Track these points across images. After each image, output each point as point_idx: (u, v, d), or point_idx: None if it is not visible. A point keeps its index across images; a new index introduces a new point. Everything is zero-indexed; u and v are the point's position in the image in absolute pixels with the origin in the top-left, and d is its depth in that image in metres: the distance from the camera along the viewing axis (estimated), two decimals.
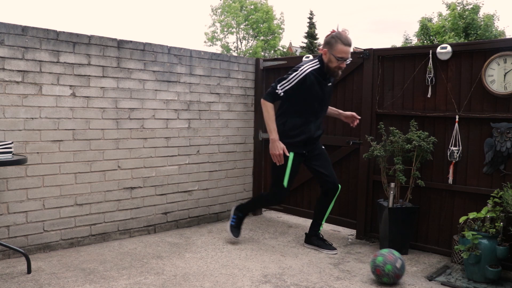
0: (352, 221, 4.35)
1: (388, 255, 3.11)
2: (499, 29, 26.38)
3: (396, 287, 3.08)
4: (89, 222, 3.83)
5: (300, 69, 3.53)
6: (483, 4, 26.13)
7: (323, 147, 3.91)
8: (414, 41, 28.40)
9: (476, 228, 3.26)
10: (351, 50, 3.53)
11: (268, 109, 3.57)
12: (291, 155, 3.62)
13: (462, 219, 3.32)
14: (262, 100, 3.61)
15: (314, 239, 3.93)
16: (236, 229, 4.02)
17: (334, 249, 3.84)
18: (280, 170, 3.66)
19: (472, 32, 24.96)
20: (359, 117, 3.89)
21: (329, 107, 3.87)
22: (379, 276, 3.10)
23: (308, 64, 3.56)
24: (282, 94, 3.52)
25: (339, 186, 3.86)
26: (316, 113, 3.66)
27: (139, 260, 3.48)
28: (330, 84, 3.68)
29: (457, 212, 3.66)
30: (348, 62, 3.55)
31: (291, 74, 3.53)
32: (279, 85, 3.53)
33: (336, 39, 3.45)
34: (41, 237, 3.57)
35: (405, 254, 3.77)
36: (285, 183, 3.67)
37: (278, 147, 3.57)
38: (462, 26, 25.09)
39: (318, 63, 3.55)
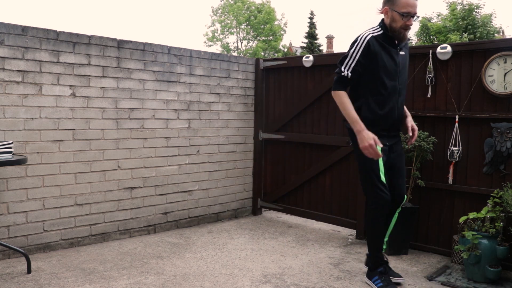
0: (352, 221, 4.35)
1: None
2: (496, 26, 26.44)
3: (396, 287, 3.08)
4: (89, 222, 3.83)
5: (359, 37, 2.91)
6: (484, 4, 26.16)
7: (399, 146, 3.14)
8: (414, 41, 28.39)
9: (476, 228, 3.26)
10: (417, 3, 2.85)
11: (342, 98, 2.88)
12: (378, 148, 2.84)
13: (462, 219, 3.31)
14: (332, 92, 2.95)
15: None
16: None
17: (400, 277, 3.17)
18: (373, 164, 2.93)
19: (472, 30, 24.99)
20: (414, 136, 3.12)
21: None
22: None
23: (369, 30, 2.95)
24: (350, 74, 2.88)
25: (405, 197, 3.19)
26: (395, 90, 2.95)
27: (139, 260, 3.48)
28: (402, 53, 2.99)
29: (457, 212, 3.66)
30: (415, 20, 2.87)
31: (350, 48, 2.91)
32: (342, 67, 2.89)
33: None
34: (41, 237, 3.57)
35: (405, 254, 3.77)
36: (383, 178, 2.95)
37: (366, 138, 2.79)
38: (463, 26, 25.10)
39: (379, 28, 2.93)
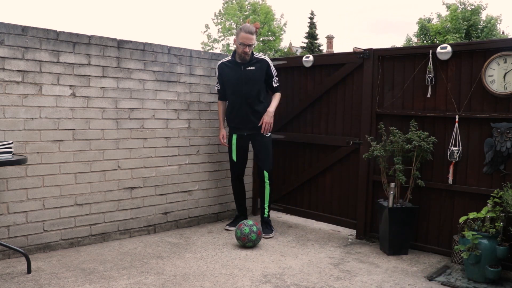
0: (352, 221, 4.35)
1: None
2: (501, 32, 26.36)
3: (395, 286, 3.08)
4: (89, 222, 3.83)
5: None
6: (486, 5, 26.00)
7: (266, 135, 4.35)
8: (414, 41, 28.39)
9: (476, 228, 3.26)
10: (253, 37, 4.13)
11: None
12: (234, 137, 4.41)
13: (462, 219, 3.32)
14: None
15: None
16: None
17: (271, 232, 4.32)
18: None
19: (474, 33, 24.94)
20: (263, 130, 4.27)
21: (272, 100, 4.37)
22: (244, 242, 3.81)
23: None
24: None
25: (266, 173, 4.35)
26: (240, 93, 4.25)
27: (139, 260, 3.48)
28: (250, 68, 4.22)
29: (457, 212, 3.66)
30: (246, 48, 4.13)
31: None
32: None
33: (239, 29, 4.18)
34: (41, 237, 3.57)
35: (405, 254, 3.77)
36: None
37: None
38: (464, 28, 25.04)
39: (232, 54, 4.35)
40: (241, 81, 4.21)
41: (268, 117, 4.26)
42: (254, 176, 5.11)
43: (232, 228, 4.37)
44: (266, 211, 4.39)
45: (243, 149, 4.44)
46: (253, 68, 4.24)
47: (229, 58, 4.35)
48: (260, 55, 4.34)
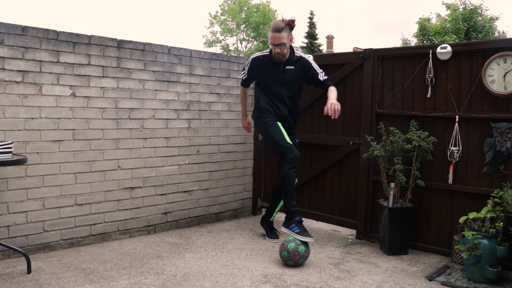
0: (352, 221, 4.35)
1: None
2: (500, 31, 26.34)
3: (395, 286, 3.08)
4: (89, 222, 3.83)
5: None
6: (487, 8, 25.94)
7: (295, 134, 4.07)
8: (413, 42, 28.37)
9: (476, 228, 3.26)
10: (282, 35, 3.67)
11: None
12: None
13: (462, 219, 3.32)
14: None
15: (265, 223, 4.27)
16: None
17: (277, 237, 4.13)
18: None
19: (474, 34, 24.92)
20: (332, 112, 3.61)
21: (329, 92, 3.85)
22: (295, 260, 3.39)
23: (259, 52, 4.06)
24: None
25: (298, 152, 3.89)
26: (276, 91, 3.90)
27: (139, 260, 3.48)
28: (289, 67, 3.83)
29: (457, 212, 3.66)
30: (277, 48, 3.70)
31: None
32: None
33: (270, 28, 3.78)
34: (41, 237, 3.57)
35: (405, 254, 3.77)
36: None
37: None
38: (464, 28, 25.02)
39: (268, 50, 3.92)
40: (278, 81, 3.86)
41: (336, 103, 3.62)
42: (254, 176, 5.12)
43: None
44: (275, 214, 4.20)
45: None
46: (292, 67, 3.84)
47: (266, 52, 3.93)
48: (300, 52, 3.95)
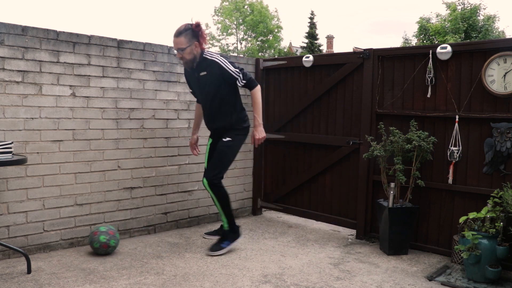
0: (352, 221, 4.35)
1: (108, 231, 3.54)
2: (499, 30, 26.34)
3: (395, 286, 3.08)
4: (89, 222, 3.83)
5: None
6: (485, 7, 25.97)
7: (224, 139, 3.76)
8: (414, 42, 28.38)
9: (476, 228, 3.26)
10: (180, 40, 3.52)
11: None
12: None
13: (462, 219, 3.32)
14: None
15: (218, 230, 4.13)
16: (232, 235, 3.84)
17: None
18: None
19: (474, 34, 24.93)
20: (257, 139, 3.75)
21: (255, 112, 3.72)
22: (106, 250, 3.51)
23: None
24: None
25: (205, 180, 3.73)
26: (203, 103, 3.83)
27: (139, 260, 3.48)
28: (203, 73, 3.66)
29: (457, 212, 3.66)
30: (178, 53, 3.59)
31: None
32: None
33: None
34: (41, 237, 3.57)
35: (405, 254, 3.77)
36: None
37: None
38: (463, 28, 25.03)
39: None
40: (199, 89, 3.77)
41: (259, 133, 3.71)
42: (254, 176, 5.12)
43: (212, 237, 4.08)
44: (224, 222, 3.84)
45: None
46: (205, 73, 3.64)
47: None
48: (210, 55, 3.65)
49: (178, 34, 3.52)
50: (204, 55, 3.64)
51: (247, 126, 3.86)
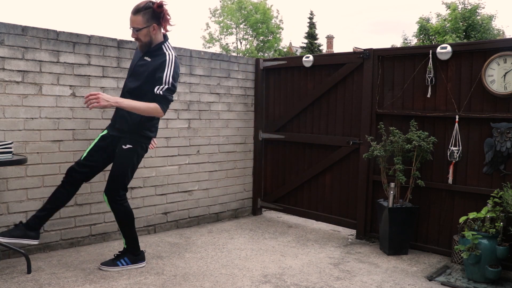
0: (352, 221, 4.34)
1: None
2: (497, 27, 26.36)
3: (395, 286, 3.08)
4: (89, 222, 3.83)
5: None
6: (483, 6, 25.97)
7: (124, 146, 3.21)
8: (413, 41, 28.37)
9: (476, 228, 3.26)
10: (137, 18, 3.07)
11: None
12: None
13: (462, 219, 3.32)
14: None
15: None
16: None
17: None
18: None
19: (473, 33, 24.94)
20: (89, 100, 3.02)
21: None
22: None
23: None
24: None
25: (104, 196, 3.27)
26: (125, 81, 3.34)
27: None
28: (146, 58, 3.19)
29: (457, 212, 3.66)
30: (133, 33, 3.13)
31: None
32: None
33: None
34: (41, 237, 3.56)
35: (405, 254, 3.77)
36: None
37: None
38: (463, 28, 25.04)
39: None
40: (130, 70, 3.30)
41: (102, 96, 3.00)
42: (254, 176, 5.12)
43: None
44: (123, 240, 3.34)
45: (102, 150, 3.27)
46: (149, 59, 3.17)
47: None
48: (168, 49, 3.20)
49: (136, 11, 3.07)
50: (164, 44, 3.19)
51: (150, 137, 3.36)
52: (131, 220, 3.31)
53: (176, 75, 3.17)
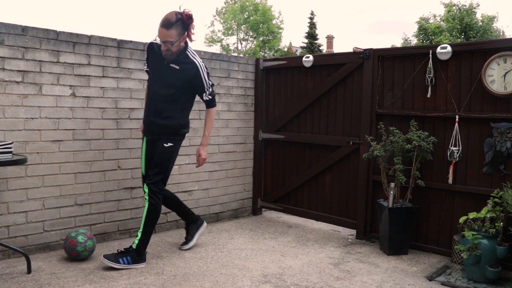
0: (352, 221, 4.35)
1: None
2: (497, 28, 26.36)
3: (395, 286, 3.08)
4: (89, 222, 3.83)
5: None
6: (478, 6, 25.93)
7: (166, 145, 3.41)
8: (413, 41, 28.39)
9: (476, 228, 3.26)
10: (171, 32, 3.17)
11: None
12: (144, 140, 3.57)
13: (462, 219, 3.32)
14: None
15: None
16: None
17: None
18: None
19: (471, 33, 24.95)
20: (202, 159, 3.62)
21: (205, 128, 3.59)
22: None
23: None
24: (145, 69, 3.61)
25: (145, 187, 3.42)
26: (154, 88, 3.41)
27: None
28: (174, 66, 3.33)
29: (457, 212, 3.66)
30: (164, 45, 3.23)
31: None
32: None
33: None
34: (41, 237, 3.57)
35: (405, 254, 3.77)
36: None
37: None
38: (459, 27, 25.05)
39: None
40: (159, 76, 3.39)
41: (204, 152, 3.59)
42: (254, 176, 5.12)
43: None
44: (137, 238, 3.37)
45: (152, 155, 3.48)
46: (178, 67, 3.33)
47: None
48: (192, 54, 3.40)
49: (169, 26, 3.15)
50: (187, 51, 3.36)
51: (185, 133, 3.57)
52: (158, 216, 3.46)
53: (208, 75, 3.47)
